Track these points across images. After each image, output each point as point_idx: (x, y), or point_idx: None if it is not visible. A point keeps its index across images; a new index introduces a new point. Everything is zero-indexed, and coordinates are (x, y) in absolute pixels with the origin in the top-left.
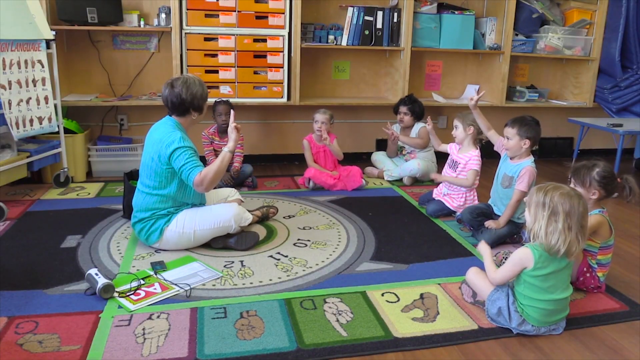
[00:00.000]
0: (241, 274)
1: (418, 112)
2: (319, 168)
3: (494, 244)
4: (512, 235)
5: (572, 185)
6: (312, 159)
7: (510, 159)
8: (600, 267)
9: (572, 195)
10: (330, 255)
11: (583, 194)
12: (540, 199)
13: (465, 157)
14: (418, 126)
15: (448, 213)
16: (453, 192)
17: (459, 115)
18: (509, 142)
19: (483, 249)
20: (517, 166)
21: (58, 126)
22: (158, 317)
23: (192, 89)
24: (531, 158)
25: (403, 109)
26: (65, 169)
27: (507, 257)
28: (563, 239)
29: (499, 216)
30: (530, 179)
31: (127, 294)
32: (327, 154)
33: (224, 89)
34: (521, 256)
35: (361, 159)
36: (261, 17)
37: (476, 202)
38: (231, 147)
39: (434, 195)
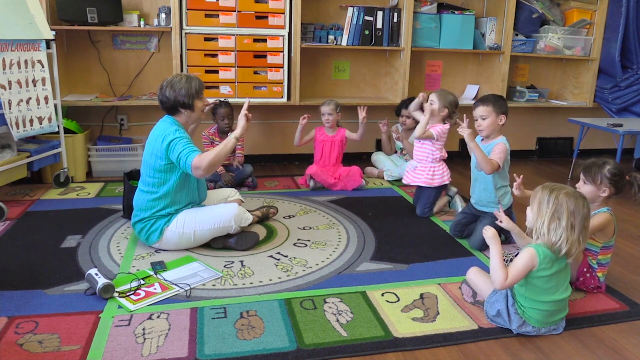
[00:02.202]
0: (241, 274)
1: None
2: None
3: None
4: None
5: (582, 181)
6: (301, 138)
7: (483, 140)
8: (600, 267)
9: (577, 196)
10: (330, 255)
11: (593, 191)
12: (545, 196)
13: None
14: None
15: (429, 198)
16: (421, 165)
17: (438, 92)
18: (484, 121)
19: (492, 240)
20: (490, 145)
21: (58, 126)
22: (158, 317)
23: (176, 88)
24: (504, 137)
25: (406, 112)
26: (65, 169)
27: (507, 258)
28: (565, 237)
29: (484, 214)
30: (504, 155)
31: (127, 294)
32: (333, 146)
33: (224, 89)
34: (530, 256)
35: (361, 159)
36: (261, 17)
37: (446, 176)
38: (238, 133)
39: (406, 181)
